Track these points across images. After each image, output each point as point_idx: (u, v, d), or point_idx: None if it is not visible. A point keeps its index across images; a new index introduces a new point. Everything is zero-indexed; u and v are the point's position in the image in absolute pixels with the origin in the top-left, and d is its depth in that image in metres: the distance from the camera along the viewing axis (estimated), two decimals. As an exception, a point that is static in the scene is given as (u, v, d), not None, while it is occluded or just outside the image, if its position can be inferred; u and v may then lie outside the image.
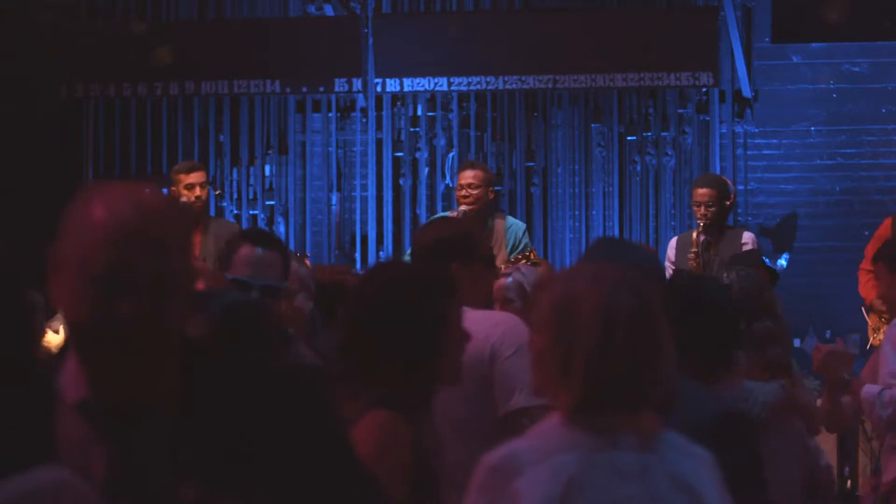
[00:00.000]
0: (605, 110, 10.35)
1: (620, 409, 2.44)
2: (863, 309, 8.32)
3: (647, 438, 2.44)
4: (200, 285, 3.77)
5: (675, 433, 2.49)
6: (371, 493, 2.14)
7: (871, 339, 8.11)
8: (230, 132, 10.56)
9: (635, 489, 2.41)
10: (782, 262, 9.68)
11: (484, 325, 3.67)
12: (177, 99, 10.46)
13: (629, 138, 10.33)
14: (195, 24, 10.43)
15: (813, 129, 10.19)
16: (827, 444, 6.18)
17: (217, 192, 10.17)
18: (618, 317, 2.42)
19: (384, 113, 10.38)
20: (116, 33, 10.29)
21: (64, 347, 2.09)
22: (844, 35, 10.11)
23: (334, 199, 10.65)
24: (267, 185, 10.59)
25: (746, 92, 10.07)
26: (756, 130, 10.23)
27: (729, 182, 8.48)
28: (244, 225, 10.22)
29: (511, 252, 7.42)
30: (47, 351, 5.78)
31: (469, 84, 10.07)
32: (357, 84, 10.15)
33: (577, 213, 10.36)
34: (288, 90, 10.26)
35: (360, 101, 10.41)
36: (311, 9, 10.49)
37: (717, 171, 9.64)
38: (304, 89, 10.29)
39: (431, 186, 10.42)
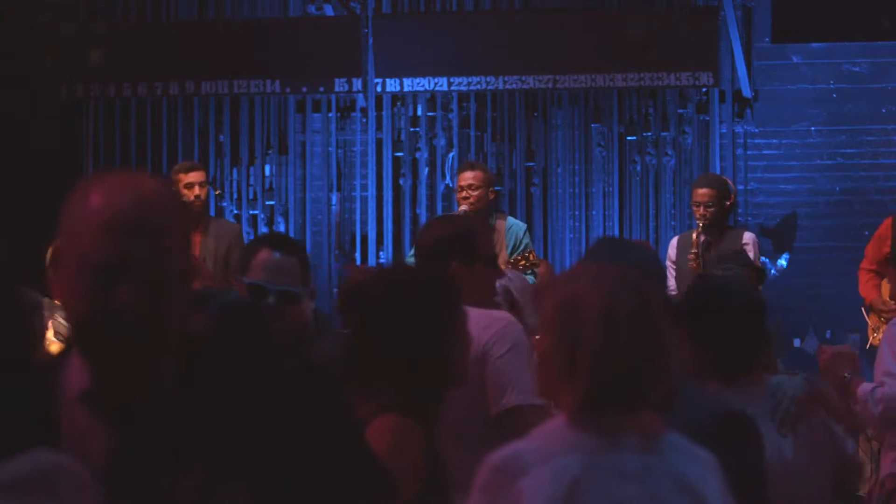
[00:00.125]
0: (605, 110, 10.35)
1: (623, 409, 2.44)
2: (863, 309, 8.33)
3: (650, 439, 2.45)
4: (197, 284, 3.77)
5: (677, 434, 2.50)
6: (382, 486, 2.13)
7: (871, 338, 8.12)
8: (230, 132, 10.56)
9: (638, 490, 2.41)
10: (782, 262, 9.68)
11: (478, 324, 3.67)
12: (177, 99, 10.46)
13: (629, 138, 10.33)
14: (195, 24, 10.43)
15: (813, 129, 10.19)
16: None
17: (217, 192, 10.17)
18: (619, 317, 2.43)
19: (384, 113, 10.38)
20: (116, 33, 10.29)
21: (69, 342, 2.09)
22: (844, 35, 10.11)
23: (334, 199, 10.65)
24: (267, 185, 10.59)
25: (746, 92, 10.06)
26: (756, 130, 10.23)
27: (729, 182, 8.47)
28: (244, 225, 10.22)
29: (511, 252, 7.42)
30: (47, 351, 5.77)
31: (469, 84, 10.07)
32: (357, 84, 10.15)
33: (577, 213, 10.36)
34: (288, 90, 10.26)
35: (360, 101, 10.41)
36: (311, 9, 10.48)
37: (717, 171, 9.64)
38: (304, 89, 10.30)
39: (431, 186, 10.41)
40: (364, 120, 10.44)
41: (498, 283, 4.76)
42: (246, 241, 9.03)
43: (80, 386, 1.99)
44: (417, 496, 2.87)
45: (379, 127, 10.40)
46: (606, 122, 10.33)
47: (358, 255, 10.42)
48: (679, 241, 8.23)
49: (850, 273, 8.42)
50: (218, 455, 1.96)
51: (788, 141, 10.22)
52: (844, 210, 10.05)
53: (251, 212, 10.52)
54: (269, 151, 10.61)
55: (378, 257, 10.32)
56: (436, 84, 10.10)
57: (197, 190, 7.96)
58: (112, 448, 1.96)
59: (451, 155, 10.37)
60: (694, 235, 8.03)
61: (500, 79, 10.01)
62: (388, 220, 10.37)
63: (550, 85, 10.00)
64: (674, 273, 7.94)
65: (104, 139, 10.47)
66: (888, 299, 8.01)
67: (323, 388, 2.09)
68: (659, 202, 10.31)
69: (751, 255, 7.91)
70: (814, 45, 10.24)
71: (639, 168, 10.31)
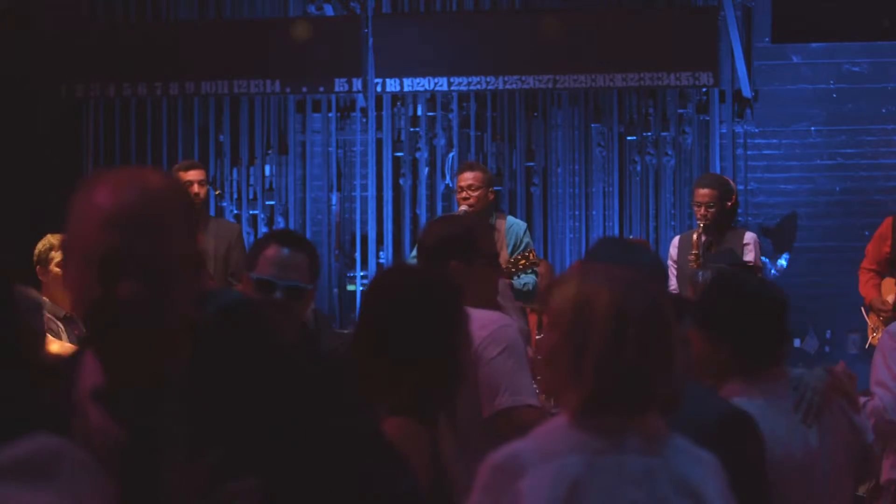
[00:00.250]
0: (605, 110, 10.35)
1: (627, 410, 2.44)
2: (863, 309, 8.33)
3: (653, 441, 2.44)
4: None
5: (680, 437, 2.49)
6: (394, 469, 2.11)
7: (871, 338, 8.12)
8: (230, 132, 10.56)
9: (640, 493, 2.40)
10: (782, 262, 9.68)
11: (472, 325, 3.67)
12: (177, 99, 10.46)
13: (629, 138, 10.33)
14: (195, 24, 10.43)
15: (813, 129, 10.18)
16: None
17: (217, 192, 10.17)
18: (630, 318, 2.43)
19: (384, 113, 10.38)
20: (116, 33, 10.29)
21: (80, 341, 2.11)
22: (844, 35, 10.11)
23: (334, 199, 10.64)
24: (267, 185, 10.58)
25: (746, 92, 10.06)
26: (756, 130, 10.22)
27: (731, 182, 8.46)
28: (244, 225, 10.22)
29: (512, 252, 7.41)
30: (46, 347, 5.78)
31: (469, 84, 10.07)
32: (357, 84, 10.16)
33: (577, 213, 10.35)
34: (288, 90, 10.27)
35: (360, 101, 10.41)
36: (311, 9, 10.48)
37: (717, 171, 9.63)
38: (304, 89, 10.30)
39: (431, 186, 10.41)
40: (364, 120, 10.44)
41: None
42: (246, 241, 9.04)
43: (94, 381, 2.00)
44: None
45: (379, 127, 10.39)
46: (606, 122, 10.33)
47: (358, 255, 10.42)
48: (680, 241, 8.22)
49: (850, 273, 8.42)
50: (228, 448, 1.96)
51: (788, 141, 10.22)
52: (844, 210, 10.05)
53: (251, 212, 10.52)
54: (269, 151, 10.60)
55: (378, 257, 10.32)
56: (436, 84, 10.10)
57: (196, 188, 7.96)
58: (124, 443, 1.95)
59: (451, 155, 10.37)
60: (695, 236, 8.01)
61: (500, 79, 10.01)
62: (388, 220, 10.36)
63: (550, 85, 10.00)
64: (675, 273, 7.94)
65: (104, 139, 10.47)
66: (887, 299, 8.00)
67: (334, 384, 2.09)
68: (659, 202, 10.30)
69: (752, 255, 7.91)
70: (814, 45, 10.23)
71: (639, 168, 10.31)
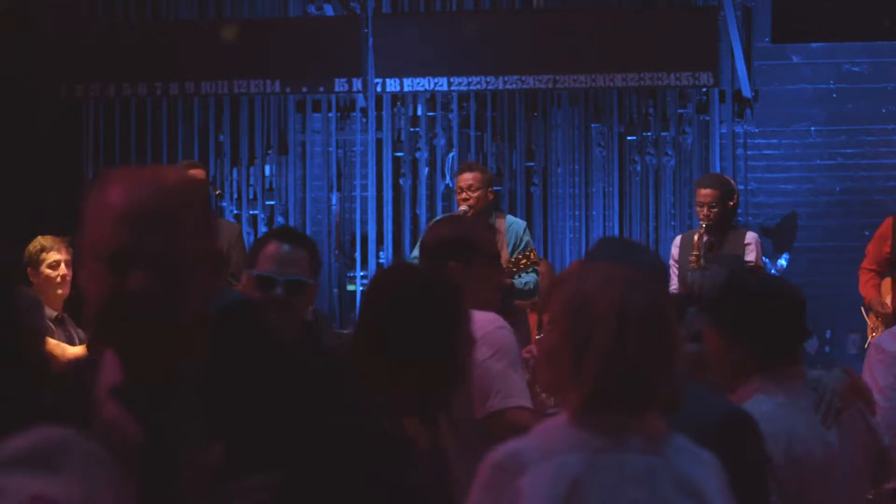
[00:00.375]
0: (605, 110, 10.35)
1: (628, 409, 2.44)
2: (862, 309, 8.33)
3: (654, 440, 2.44)
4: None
5: (681, 436, 2.50)
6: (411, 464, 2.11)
7: (871, 338, 8.12)
8: (230, 132, 10.56)
9: (641, 492, 2.40)
10: (782, 262, 9.68)
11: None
12: (177, 99, 10.46)
13: (629, 138, 10.33)
14: (195, 24, 10.44)
15: (813, 129, 10.18)
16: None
17: (217, 192, 10.17)
18: (632, 317, 2.43)
19: (384, 113, 10.38)
20: (116, 33, 10.29)
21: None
22: (844, 35, 10.11)
23: (334, 199, 10.65)
24: (267, 185, 10.59)
25: (746, 92, 10.06)
26: (756, 130, 10.22)
27: (732, 182, 8.46)
28: (244, 225, 10.22)
29: (512, 251, 7.41)
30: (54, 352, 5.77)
31: (469, 84, 10.07)
32: (357, 84, 10.16)
33: (577, 213, 10.36)
34: (288, 90, 10.27)
35: (360, 101, 10.41)
36: (311, 9, 10.49)
37: (717, 171, 9.63)
38: (304, 89, 10.30)
39: (431, 186, 10.41)
40: (364, 120, 10.44)
41: None
42: (246, 241, 9.04)
43: (114, 379, 2.00)
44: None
45: (379, 127, 10.40)
46: (606, 122, 10.33)
47: (358, 255, 10.42)
48: (682, 241, 8.22)
49: (850, 273, 8.43)
50: (241, 444, 1.96)
51: (788, 141, 10.22)
52: (844, 210, 10.05)
53: (251, 212, 10.52)
54: (269, 151, 10.61)
55: (378, 257, 10.32)
56: (436, 84, 10.11)
57: (196, 189, 7.95)
58: (141, 438, 1.96)
59: (451, 155, 10.37)
60: (696, 237, 8.01)
61: (500, 79, 10.01)
62: (388, 220, 10.36)
63: (550, 85, 10.00)
64: (676, 272, 7.94)
65: (104, 139, 10.48)
66: (886, 301, 8.01)
67: (338, 381, 2.10)
68: (659, 202, 10.30)
69: (753, 255, 7.91)
70: (814, 45, 10.24)
71: (639, 168, 10.31)
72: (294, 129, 10.58)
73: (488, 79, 10.02)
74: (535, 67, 9.96)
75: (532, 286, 7.13)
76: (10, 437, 1.75)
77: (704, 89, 10.08)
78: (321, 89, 10.28)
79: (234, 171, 10.57)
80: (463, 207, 7.56)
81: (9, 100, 9.76)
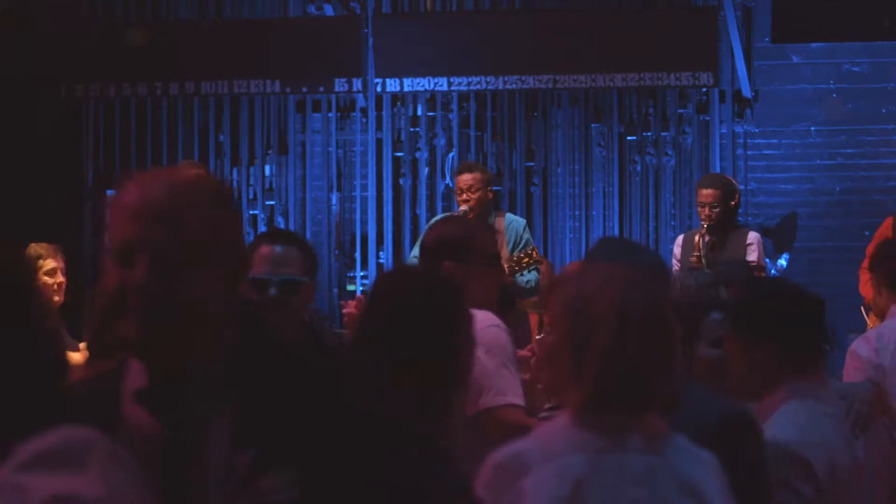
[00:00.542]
0: (605, 110, 10.35)
1: (628, 409, 2.44)
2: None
3: (654, 440, 2.45)
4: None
5: (681, 436, 2.50)
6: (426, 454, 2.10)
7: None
8: (230, 132, 10.56)
9: (641, 492, 2.41)
10: (782, 262, 9.68)
11: None
12: (177, 99, 10.46)
13: (629, 138, 10.33)
14: (195, 24, 10.44)
15: (813, 129, 10.18)
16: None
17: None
18: (632, 317, 2.43)
19: (384, 113, 10.38)
20: (116, 33, 10.29)
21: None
22: (844, 35, 10.11)
23: (334, 199, 10.65)
24: (267, 185, 10.58)
25: (746, 92, 10.06)
26: (756, 130, 10.23)
27: (734, 182, 8.45)
28: (244, 225, 10.22)
29: (513, 249, 7.42)
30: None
31: (469, 84, 10.08)
32: (357, 84, 10.16)
33: (577, 213, 10.36)
34: (288, 90, 10.27)
35: (360, 101, 10.41)
36: (311, 9, 10.49)
37: (718, 171, 9.63)
38: (304, 89, 10.30)
39: (431, 186, 10.42)
40: (364, 120, 10.44)
41: None
42: (245, 241, 9.04)
43: (139, 382, 2.00)
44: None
45: (379, 127, 10.40)
46: (606, 122, 10.33)
47: (358, 255, 10.42)
48: (684, 240, 8.22)
49: (850, 273, 8.42)
50: (265, 443, 1.95)
51: (788, 141, 10.22)
52: (844, 210, 10.05)
53: (251, 212, 10.52)
54: (269, 151, 10.61)
55: (378, 257, 10.32)
56: (436, 84, 10.11)
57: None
58: (163, 439, 1.96)
59: (451, 155, 10.37)
60: (697, 237, 8.01)
61: (500, 79, 10.01)
62: (388, 220, 10.36)
63: (550, 85, 10.01)
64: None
65: (104, 139, 10.48)
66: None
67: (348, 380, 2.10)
68: (659, 202, 10.30)
69: (755, 255, 7.91)
70: (814, 45, 10.23)
71: (639, 168, 10.31)
72: (294, 129, 10.59)
73: (488, 79, 10.02)
74: (535, 67, 9.96)
75: (533, 284, 7.13)
76: (33, 437, 1.76)
77: (704, 89, 10.08)
78: (321, 89, 10.28)
79: (234, 171, 10.57)
80: (463, 208, 7.56)
81: (9, 100, 9.76)
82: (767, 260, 8.59)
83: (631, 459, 2.42)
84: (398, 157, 10.45)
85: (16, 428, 1.78)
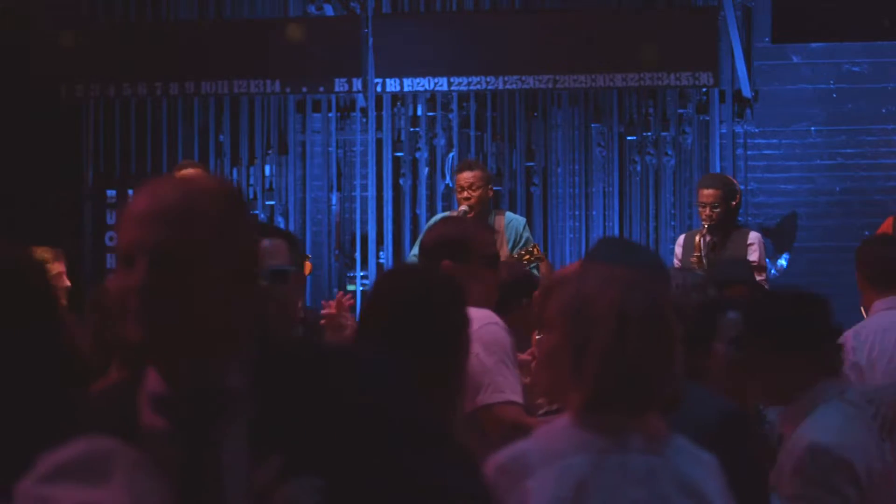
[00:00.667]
0: (605, 110, 10.35)
1: (629, 409, 2.44)
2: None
3: (655, 441, 2.45)
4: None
5: (681, 437, 2.50)
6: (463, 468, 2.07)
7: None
8: (230, 132, 10.56)
9: (642, 492, 2.41)
10: (782, 262, 9.68)
11: None
12: (177, 99, 10.46)
13: (629, 138, 10.33)
14: (195, 24, 10.43)
15: (813, 129, 10.18)
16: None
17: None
18: (632, 318, 2.43)
19: (384, 113, 10.38)
20: (116, 33, 10.29)
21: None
22: (844, 35, 10.11)
23: (334, 199, 10.65)
24: (267, 185, 10.58)
25: (746, 92, 10.06)
26: (756, 130, 10.22)
27: (735, 182, 8.44)
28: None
29: (513, 248, 7.43)
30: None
31: (469, 84, 10.08)
32: (357, 84, 10.16)
33: (577, 213, 10.36)
34: (288, 90, 10.27)
35: (360, 101, 10.41)
36: (311, 9, 10.49)
37: (718, 171, 9.63)
38: (304, 89, 10.30)
39: (431, 186, 10.42)
40: (364, 120, 10.44)
41: None
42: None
43: (157, 388, 1.99)
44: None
45: (379, 127, 10.40)
46: (606, 122, 10.33)
47: (358, 255, 10.42)
48: (685, 240, 8.21)
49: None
50: (291, 451, 1.93)
51: (788, 141, 10.22)
52: (844, 210, 10.04)
53: (251, 212, 10.51)
54: (269, 151, 10.61)
55: (378, 257, 10.32)
56: (436, 84, 10.11)
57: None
58: (181, 446, 1.94)
59: (451, 155, 10.37)
60: (698, 237, 8.01)
61: (500, 79, 10.01)
62: (388, 220, 10.36)
63: (550, 85, 10.01)
64: (679, 272, 7.92)
65: (104, 139, 10.47)
66: None
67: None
68: (659, 202, 10.30)
69: (756, 255, 7.91)
70: (814, 45, 10.23)
71: (639, 168, 10.31)
72: (294, 129, 10.58)
73: (488, 79, 10.02)
74: (535, 67, 9.96)
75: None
76: (55, 448, 1.75)
77: (704, 89, 10.08)
78: (321, 89, 10.28)
79: (234, 171, 10.57)
80: (463, 207, 7.57)
81: (9, 100, 9.76)
82: (768, 260, 8.60)
83: (632, 460, 2.42)
84: (398, 157, 10.45)
85: (40, 434, 1.78)
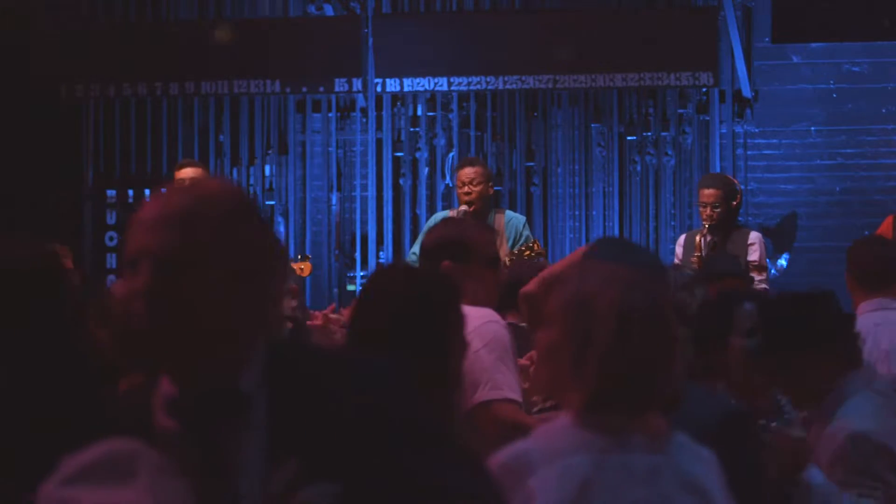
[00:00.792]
0: (605, 110, 10.35)
1: (629, 409, 2.44)
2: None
3: (656, 439, 2.45)
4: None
5: (682, 434, 2.50)
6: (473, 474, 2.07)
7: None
8: (230, 132, 10.57)
9: (646, 491, 2.41)
10: (782, 262, 9.68)
11: None
12: (177, 99, 10.46)
13: (629, 138, 10.33)
14: (195, 24, 10.44)
15: (813, 129, 10.19)
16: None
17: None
18: (632, 317, 2.43)
19: (384, 113, 10.39)
20: (116, 33, 10.30)
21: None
22: (844, 35, 10.11)
23: (334, 199, 10.65)
24: (267, 185, 10.59)
25: (746, 92, 10.07)
26: (756, 130, 10.23)
27: (736, 182, 8.44)
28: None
29: (513, 246, 7.43)
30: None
31: (469, 84, 10.08)
32: (357, 84, 10.16)
33: (577, 213, 10.36)
34: (288, 90, 10.27)
35: (360, 101, 10.41)
36: (311, 9, 10.49)
37: (718, 171, 9.63)
38: (304, 89, 10.30)
39: (431, 186, 10.42)
40: (364, 120, 10.45)
41: None
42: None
43: (169, 391, 1.99)
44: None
45: (379, 127, 10.40)
46: (606, 122, 10.34)
47: (358, 255, 10.42)
48: (686, 240, 8.21)
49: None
50: (306, 455, 1.92)
51: (788, 141, 10.22)
52: (844, 210, 10.05)
53: (261, 213, 10.49)
54: (269, 151, 10.61)
55: (378, 257, 10.32)
56: (436, 84, 10.11)
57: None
58: (194, 450, 1.94)
59: (451, 155, 10.37)
60: (698, 237, 8.00)
61: (500, 79, 10.01)
62: (388, 220, 10.37)
63: (550, 85, 10.01)
64: (679, 272, 7.92)
65: (104, 139, 10.48)
66: None
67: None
68: (659, 202, 10.31)
69: (756, 254, 7.91)
70: (814, 45, 10.24)
71: (639, 168, 10.31)
72: (294, 129, 10.59)
73: (488, 79, 10.02)
74: (535, 67, 9.96)
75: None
76: (78, 450, 1.75)
77: (704, 89, 10.08)
78: (321, 89, 10.28)
79: (234, 171, 10.57)
80: (464, 205, 7.57)
81: (9, 100, 9.76)
82: (768, 260, 8.60)
83: (635, 458, 2.42)
84: (398, 157, 10.45)
85: (63, 436, 1.78)
